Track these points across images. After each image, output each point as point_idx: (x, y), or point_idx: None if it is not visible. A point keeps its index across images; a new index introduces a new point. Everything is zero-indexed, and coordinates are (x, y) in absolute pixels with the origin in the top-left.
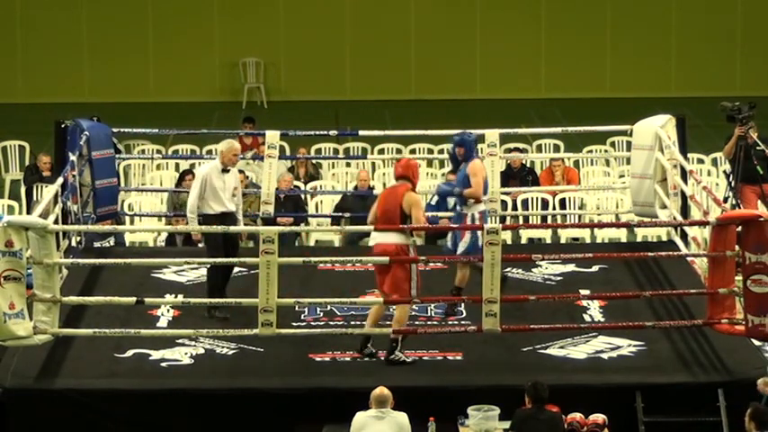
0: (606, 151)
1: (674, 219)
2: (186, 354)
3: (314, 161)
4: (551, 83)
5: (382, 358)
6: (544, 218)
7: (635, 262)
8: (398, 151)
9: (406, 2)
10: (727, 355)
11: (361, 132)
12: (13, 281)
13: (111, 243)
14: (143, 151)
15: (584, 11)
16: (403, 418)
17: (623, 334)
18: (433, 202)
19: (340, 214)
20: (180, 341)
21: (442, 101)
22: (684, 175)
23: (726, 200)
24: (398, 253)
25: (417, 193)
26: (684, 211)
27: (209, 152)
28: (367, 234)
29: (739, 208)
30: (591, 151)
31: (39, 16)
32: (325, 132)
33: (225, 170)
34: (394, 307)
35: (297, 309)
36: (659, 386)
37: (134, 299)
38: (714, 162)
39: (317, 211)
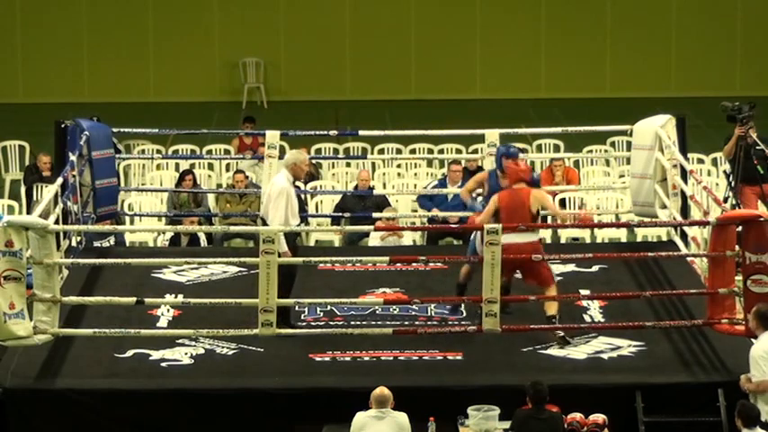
0: (606, 151)
1: (674, 219)
2: (186, 354)
3: (314, 161)
4: (551, 83)
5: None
6: (544, 218)
7: (635, 262)
8: (398, 151)
9: (406, 2)
10: (727, 355)
11: (361, 132)
12: (13, 281)
13: (112, 243)
14: (143, 151)
15: (584, 11)
16: (403, 418)
17: (623, 335)
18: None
19: (340, 214)
20: (180, 341)
21: (442, 101)
22: (684, 175)
23: (726, 200)
24: (537, 251)
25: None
26: (684, 211)
27: (209, 152)
28: (366, 234)
29: (739, 208)
30: (591, 151)
31: (39, 16)
32: (326, 132)
33: (294, 182)
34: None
35: (297, 309)
36: (659, 386)
37: (134, 299)
38: (714, 162)
39: (317, 211)
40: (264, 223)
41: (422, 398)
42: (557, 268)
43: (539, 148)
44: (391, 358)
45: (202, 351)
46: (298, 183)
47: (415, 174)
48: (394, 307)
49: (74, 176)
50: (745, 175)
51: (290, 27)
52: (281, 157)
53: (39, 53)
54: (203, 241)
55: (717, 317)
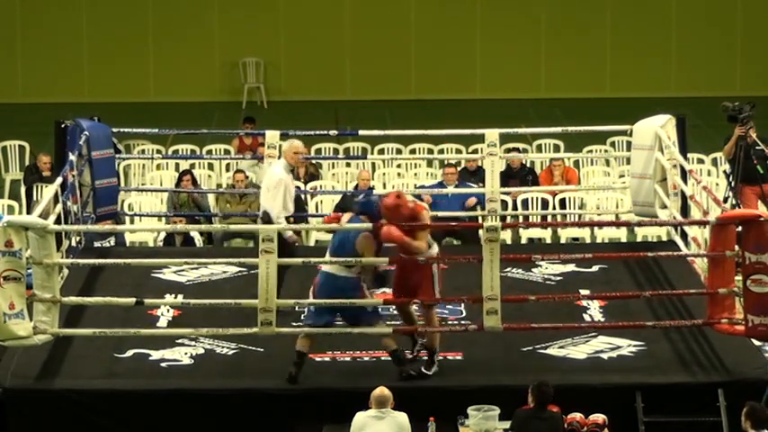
0: (606, 151)
1: (674, 219)
2: (186, 354)
3: (314, 161)
4: (551, 83)
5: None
6: (544, 218)
7: (635, 262)
8: (398, 151)
9: (406, 2)
10: (727, 355)
11: (361, 132)
12: (13, 281)
13: (112, 243)
14: (143, 151)
15: (584, 11)
16: (403, 418)
17: (623, 334)
18: None
19: (340, 214)
20: (180, 341)
21: (442, 101)
22: (684, 174)
23: (726, 200)
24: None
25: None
26: (684, 210)
27: (209, 152)
28: None
29: (739, 208)
30: (591, 151)
31: (39, 16)
32: (326, 132)
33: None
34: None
35: (297, 309)
36: (659, 386)
37: (134, 300)
38: (714, 162)
39: (316, 211)
40: (265, 220)
41: (422, 398)
42: (557, 268)
43: (539, 148)
44: (391, 358)
45: (202, 351)
46: (297, 182)
47: (415, 174)
48: (394, 307)
49: (73, 176)
50: (745, 175)
51: (290, 27)
52: (280, 157)
53: (39, 53)
54: (198, 241)
55: (717, 317)
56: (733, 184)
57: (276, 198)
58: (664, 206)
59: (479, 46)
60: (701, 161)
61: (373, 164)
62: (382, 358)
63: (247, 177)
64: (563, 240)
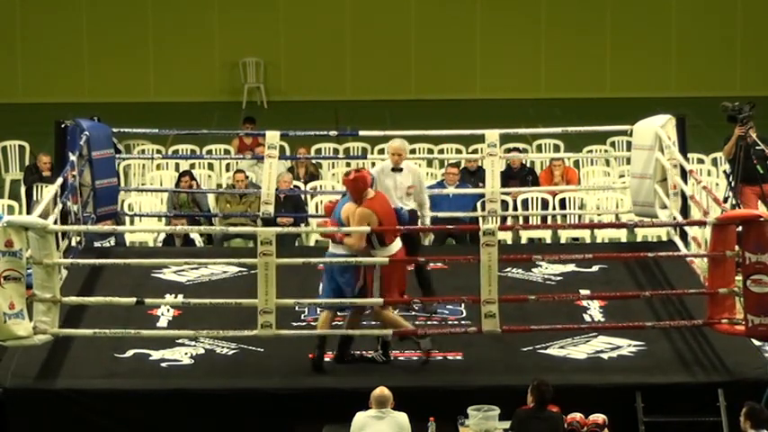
0: (606, 151)
1: (674, 219)
2: (186, 354)
3: (314, 161)
4: (551, 83)
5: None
6: (544, 218)
7: (635, 262)
8: None
9: (406, 2)
10: (727, 355)
11: (361, 132)
12: (13, 281)
13: (112, 243)
14: (143, 151)
15: (584, 11)
16: (403, 418)
17: (623, 334)
18: None
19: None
20: (180, 341)
21: (442, 101)
22: (684, 174)
23: (726, 200)
24: None
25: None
26: (684, 211)
27: (209, 152)
28: None
29: (739, 208)
30: (591, 151)
31: (39, 16)
32: (326, 132)
33: (395, 169)
34: None
35: (297, 309)
36: (659, 386)
37: (134, 299)
38: (714, 162)
39: (316, 211)
40: (267, 222)
41: (422, 398)
42: (557, 268)
43: (539, 148)
44: (391, 358)
45: (202, 351)
46: (297, 182)
47: None
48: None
49: (74, 176)
50: (745, 175)
51: (290, 27)
52: (280, 157)
53: (39, 53)
54: (198, 242)
55: (717, 317)
56: (733, 184)
57: None
58: (664, 206)
59: (479, 46)
60: (701, 161)
61: (373, 164)
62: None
63: (247, 177)
64: (563, 240)
